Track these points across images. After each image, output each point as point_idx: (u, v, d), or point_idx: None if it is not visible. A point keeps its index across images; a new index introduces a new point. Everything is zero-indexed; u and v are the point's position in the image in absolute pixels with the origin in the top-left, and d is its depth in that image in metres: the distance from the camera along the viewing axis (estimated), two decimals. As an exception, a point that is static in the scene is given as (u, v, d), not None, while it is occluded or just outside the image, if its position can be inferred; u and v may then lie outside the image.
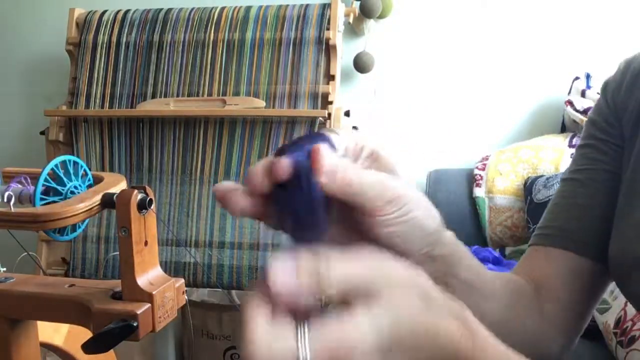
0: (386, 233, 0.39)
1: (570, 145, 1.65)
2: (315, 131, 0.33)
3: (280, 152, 0.35)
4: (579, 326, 0.63)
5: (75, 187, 0.61)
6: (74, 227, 0.62)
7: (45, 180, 0.60)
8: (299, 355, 0.28)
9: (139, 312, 0.53)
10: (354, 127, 1.77)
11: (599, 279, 0.62)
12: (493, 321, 0.48)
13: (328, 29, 1.69)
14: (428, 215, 0.41)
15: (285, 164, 0.34)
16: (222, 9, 1.78)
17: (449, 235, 0.45)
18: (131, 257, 0.54)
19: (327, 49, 1.69)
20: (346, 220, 0.39)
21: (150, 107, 1.73)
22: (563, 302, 0.60)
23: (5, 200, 0.59)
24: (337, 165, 0.35)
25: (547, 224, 0.64)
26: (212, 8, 1.79)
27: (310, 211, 0.35)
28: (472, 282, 0.48)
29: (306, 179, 0.34)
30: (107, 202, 0.57)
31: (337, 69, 1.69)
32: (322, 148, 0.35)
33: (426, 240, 0.42)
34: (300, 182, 0.34)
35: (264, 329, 0.29)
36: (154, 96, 1.75)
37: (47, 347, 0.77)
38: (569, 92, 1.77)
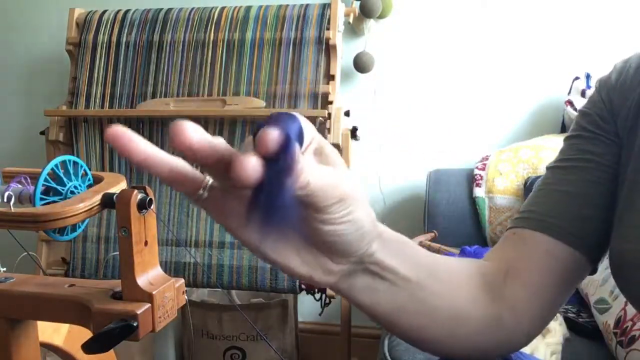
0: (328, 230, 0.41)
1: (570, 145, 1.65)
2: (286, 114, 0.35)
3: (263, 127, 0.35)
4: (546, 315, 0.61)
5: (75, 187, 0.61)
6: (74, 227, 0.62)
7: (45, 180, 0.60)
8: None
9: (139, 312, 0.53)
10: (354, 127, 1.77)
11: (573, 267, 0.60)
12: (443, 309, 0.54)
13: (328, 28, 1.69)
14: (367, 214, 0.43)
15: (277, 136, 0.34)
16: (222, 9, 1.78)
17: (384, 229, 0.48)
18: (131, 257, 0.54)
19: (327, 49, 1.69)
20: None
21: (150, 107, 1.73)
22: (532, 286, 0.59)
23: (5, 200, 0.59)
24: (302, 165, 0.36)
25: (527, 209, 0.64)
26: (212, 8, 1.79)
27: (291, 201, 0.35)
28: (411, 277, 0.51)
29: (289, 159, 0.35)
30: (107, 202, 0.57)
31: (337, 69, 1.69)
32: (297, 148, 0.35)
33: (364, 240, 0.44)
34: (283, 160, 0.34)
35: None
36: (154, 96, 1.75)
37: (47, 347, 0.77)
38: (569, 92, 1.77)
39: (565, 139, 0.67)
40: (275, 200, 0.34)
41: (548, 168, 0.66)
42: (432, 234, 1.67)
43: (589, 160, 0.62)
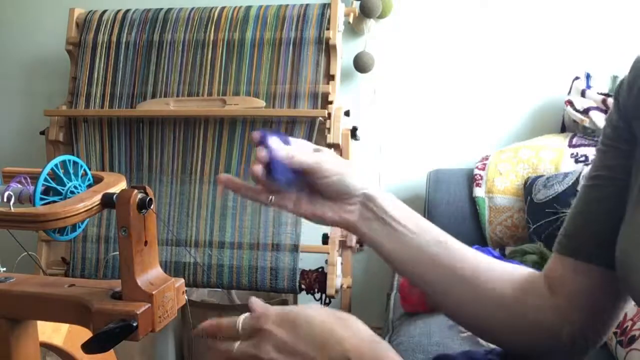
0: (325, 182, 0.66)
1: (570, 145, 1.65)
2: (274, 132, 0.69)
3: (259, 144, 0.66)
4: (595, 327, 0.65)
5: (75, 187, 0.61)
6: (73, 227, 0.62)
7: (45, 180, 0.60)
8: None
9: (138, 312, 0.52)
10: (354, 127, 1.77)
11: (604, 282, 0.63)
12: (465, 269, 0.66)
13: (328, 28, 1.69)
14: (353, 172, 0.67)
15: (257, 134, 0.66)
16: (222, 8, 1.78)
17: (376, 186, 0.69)
18: (131, 257, 0.54)
19: (327, 49, 1.69)
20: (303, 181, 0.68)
21: (150, 106, 1.73)
22: (571, 300, 0.64)
23: (5, 200, 0.59)
24: (289, 151, 0.66)
25: (561, 232, 0.68)
26: (212, 8, 1.79)
27: (285, 171, 0.65)
28: (416, 231, 0.67)
29: (278, 161, 0.65)
30: (107, 202, 0.57)
31: (337, 69, 1.69)
32: (278, 145, 0.66)
33: (358, 182, 0.67)
34: (275, 163, 0.65)
35: None
36: (154, 96, 1.75)
37: (47, 347, 0.77)
38: (569, 92, 1.77)
39: (595, 152, 0.69)
40: (277, 169, 0.65)
41: (581, 186, 0.69)
42: (432, 234, 1.66)
43: (606, 177, 0.64)
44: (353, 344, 0.53)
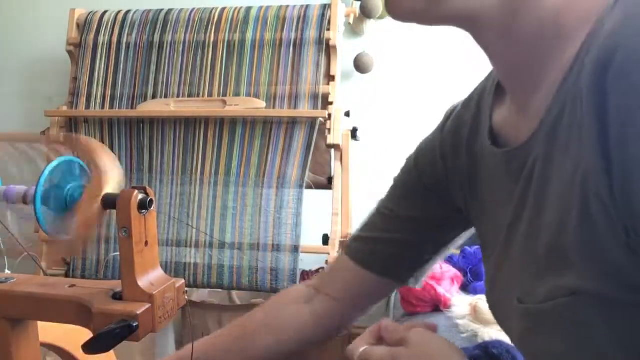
0: None
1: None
2: None
3: None
4: (347, 319, 0.76)
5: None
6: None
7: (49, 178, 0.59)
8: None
9: (139, 312, 0.53)
10: (355, 128, 1.77)
11: (377, 290, 0.73)
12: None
13: (328, 29, 1.69)
14: None
15: None
16: (223, 9, 1.79)
17: None
18: (131, 257, 0.54)
19: (328, 50, 1.69)
20: None
21: (151, 107, 1.73)
22: (338, 300, 0.73)
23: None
24: None
25: (359, 235, 0.75)
26: (213, 9, 1.79)
27: None
28: None
29: None
30: (108, 202, 0.57)
31: (337, 70, 1.69)
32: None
33: None
34: None
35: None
36: (154, 97, 1.75)
37: (47, 347, 0.77)
38: (569, 93, 1.77)
39: (395, 179, 0.78)
40: None
41: (377, 207, 0.76)
42: (433, 235, 1.66)
43: (391, 212, 0.74)
44: None
